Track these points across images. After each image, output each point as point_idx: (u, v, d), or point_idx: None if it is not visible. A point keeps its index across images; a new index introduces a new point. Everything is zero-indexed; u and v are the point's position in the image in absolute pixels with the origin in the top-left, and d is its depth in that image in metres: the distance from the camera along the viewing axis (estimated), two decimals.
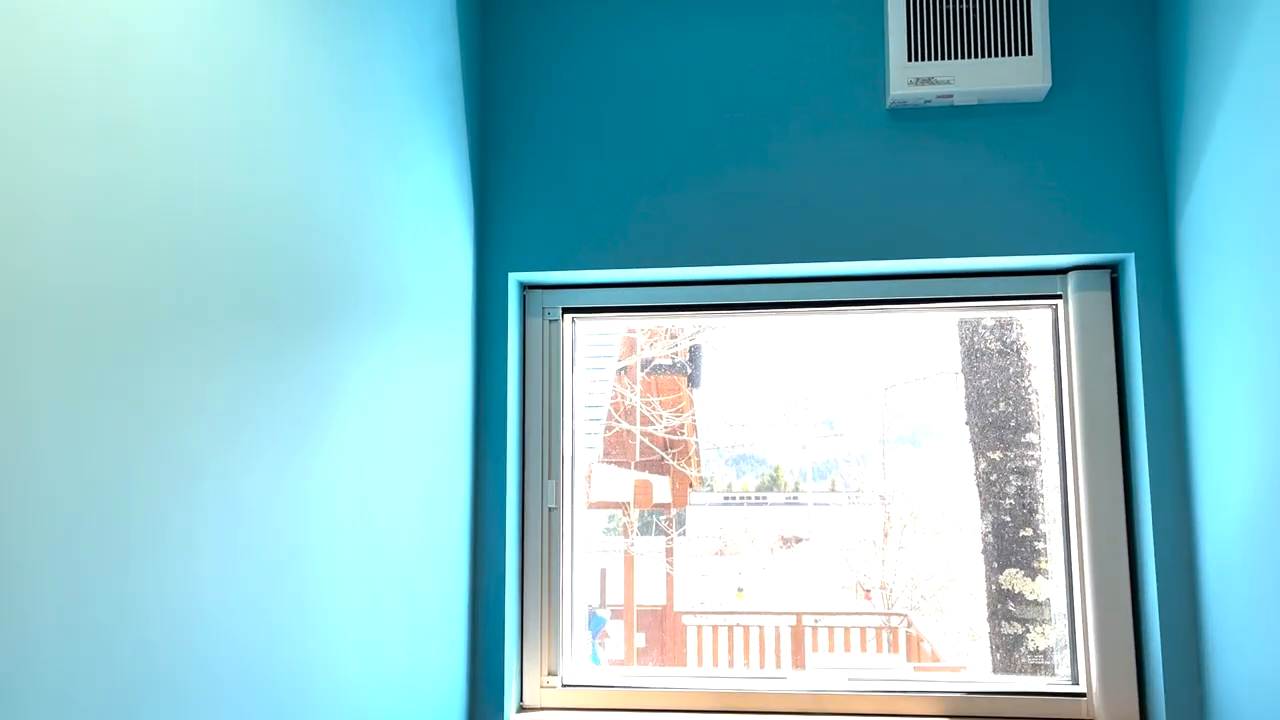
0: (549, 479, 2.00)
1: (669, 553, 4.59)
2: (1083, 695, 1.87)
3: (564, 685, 1.97)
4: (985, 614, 2.83)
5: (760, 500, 5.43)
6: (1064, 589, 1.93)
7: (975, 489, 3.04)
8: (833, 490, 5.20)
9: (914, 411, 4.09)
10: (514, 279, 1.98)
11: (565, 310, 2.05)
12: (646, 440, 4.18)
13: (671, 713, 1.91)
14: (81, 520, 0.88)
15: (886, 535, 4.95)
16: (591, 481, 3.92)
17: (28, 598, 0.82)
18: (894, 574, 4.85)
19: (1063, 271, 1.94)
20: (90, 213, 0.90)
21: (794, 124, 1.93)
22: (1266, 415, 1.49)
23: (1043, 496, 2.16)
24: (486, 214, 1.98)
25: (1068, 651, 1.93)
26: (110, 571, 0.91)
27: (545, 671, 1.97)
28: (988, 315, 2.47)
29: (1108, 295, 1.91)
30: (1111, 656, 1.84)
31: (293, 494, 1.24)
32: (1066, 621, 1.93)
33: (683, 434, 4.30)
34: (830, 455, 5.56)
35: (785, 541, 5.48)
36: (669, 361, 4.78)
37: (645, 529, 4.79)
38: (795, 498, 5.36)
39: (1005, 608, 2.90)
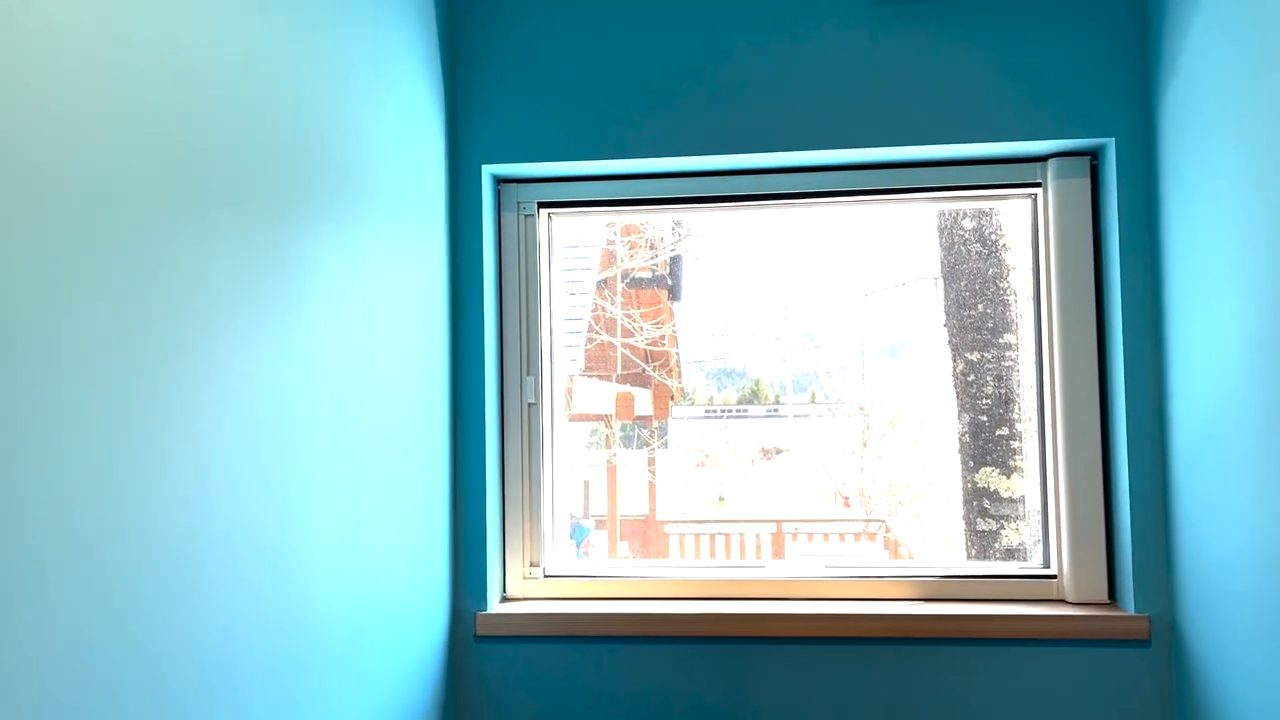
0: (528, 375, 2.00)
1: (651, 463, 4.62)
2: (1054, 577, 1.91)
3: (546, 576, 2.00)
4: (961, 512, 2.87)
5: (741, 413, 5.45)
6: (1037, 476, 1.97)
7: (953, 390, 3.06)
8: (813, 402, 5.24)
9: (893, 322, 4.08)
10: (488, 172, 1.95)
11: (541, 205, 2.01)
12: (628, 352, 4.17)
13: (652, 600, 1.95)
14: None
15: (865, 444, 5.00)
16: (573, 394, 3.92)
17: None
18: (872, 482, 4.93)
19: (1042, 159, 1.92)
20: (85, 111, 0.86)
21: (773, 10, 1.88)
22: (1241, 302, 1.49)
23: (1020, 397, 2.18)
24: (458, 103, 1.93)
25: (1040, 543, 1.98)
26: (94, 437, 0.90)
27: (528, 563, 2.00)
28: (967, 205, 2.45)
29: (1087, 183, 1.89)
30: (1082, 540, 1.88)
31: (271, 380, 1.22)
32: (1039, 511, 1.97)
33: (663, 345, 4.29)
34: (810, 368, 5.55)
35: (766, 453, 5.52)
36: (649, 274, 4.75)
37: (627, 441, 4.82)
38: (776, 410, 5.39)
39: (980, 505, 2.96)
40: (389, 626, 1.60)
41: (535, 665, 1.89)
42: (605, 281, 4.44)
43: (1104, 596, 1.87)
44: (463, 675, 1.89)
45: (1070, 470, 1.88)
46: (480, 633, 1.88)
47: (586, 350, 4.33)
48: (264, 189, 1.23)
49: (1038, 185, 1.93)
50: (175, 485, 1.04)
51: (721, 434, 5.75)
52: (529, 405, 2.00)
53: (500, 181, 2.01)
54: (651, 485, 4.77)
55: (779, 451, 5.87)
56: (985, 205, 2.35)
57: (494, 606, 1.92)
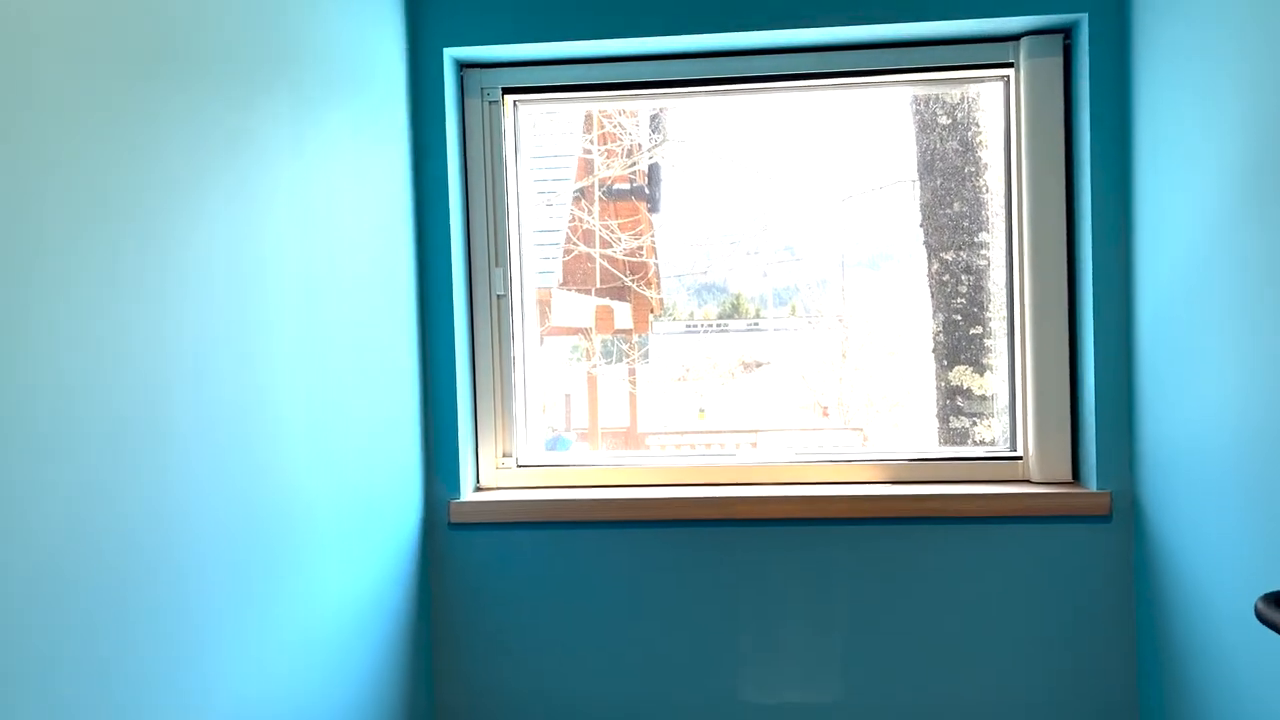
0: (496, 267, 1.98)
1: (632, 375, 4.62)
2: (1019, 459, 1.94)
3: (519, 466, 2.01)
4: (934, 410, 2.90)
5: (722, 327, 5.45)
6: (1005, 362, 1.98)
7: (928, 291, 3.06)
8: (793, 315, 5.23)
9: (872, 229, 4.06)
10: (449, 55, 1.90)
11: (506, 91, 1.97)
12: (606, 264, 4.13)
13: (625, 488, 1.97)
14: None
15: (845, 356, 5.02)
16: (551, 307, 3.90)
17: None
18: (851, 391, 4.96)
19: (1015, 38, 1.89)
20: None
21: None
22: (1209, 181, 1.48)
23: (993, 296, 2.18)
24: None
25: (1007, 427, 2.00)
26: (44, 311, 0.89)
27: (500, 453, 2.01)
28: (940, 89, 2.42)
29: (1059, 62, 1.86)
30: (1047, 422, 1.90)
31: (230, 259, 1.20)
32: (1006, 388, 1.98)
33: (642, 257, 4.26)
34: (791, 281, 5.53)
35: (746, 366, 5.54)
36: (627, 186, 4.69)
37: (607, 355, 4.82)
38: (756, 324, 5.38)
39: (954, 403, 2.99)
40: (362, 512, 1.61)
41: (508, 551, 1.91)
42: (582, 192, 4.39)
43: (1068, 476, 1.90)
44: (437, 562, 1.92)
45: (1037, 352, 1.90)
46: (454, 520, 1.90)
47: (564, 263, 4.30)
48: (215, 62, 1.19)
49: (1010, 65, 1.90)
50: (132, 363, 1.03)
51: (702, 349, 5.76)
52: (498, 297, 1.99)
53: (463, 66, 1.96)
54: (632, 397, 4.79)
55: (759, 365, 5.89)
56: (959, 91, 2.32)
57: (467, 495, 1.94)
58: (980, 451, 2.00)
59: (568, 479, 2.00)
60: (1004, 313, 1.97)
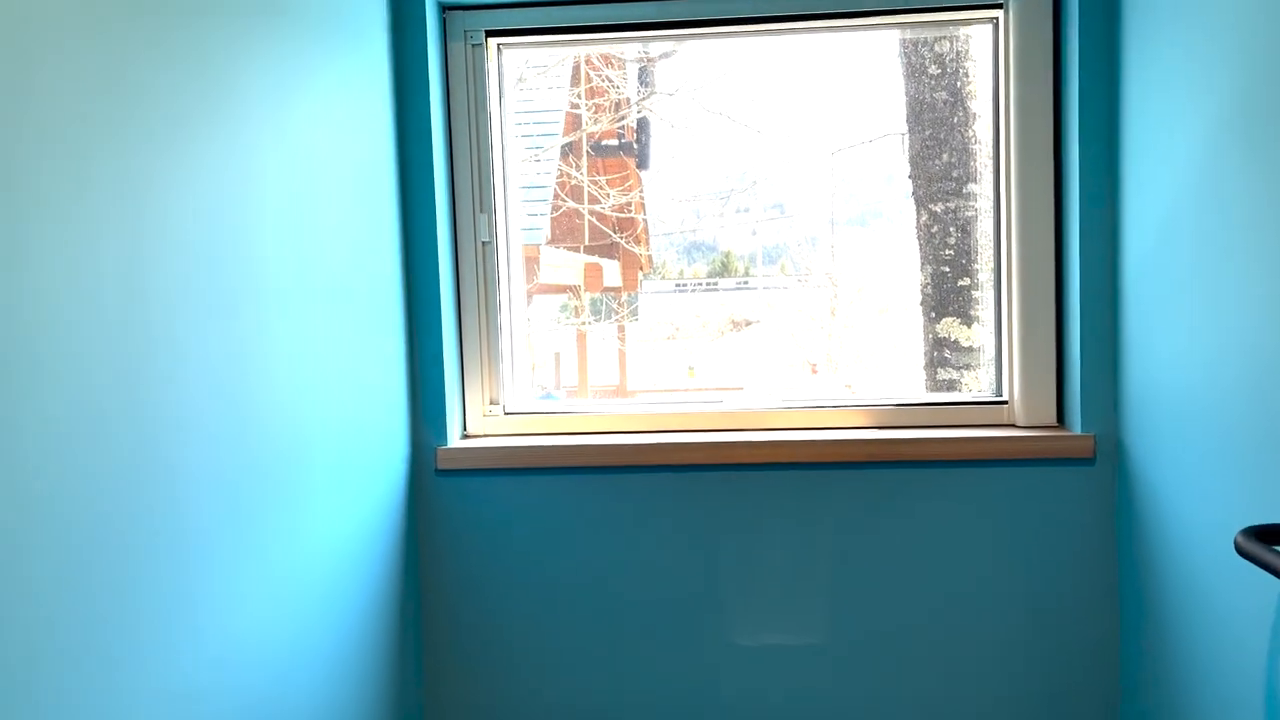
0: (481, 213, 1.97)
1: (621, 333, 4.61)
2: (1005, 403, 1.95)
3: (506, 413, 2.01)
4: (922, 363, 2.90)
5: (712, 286, 5.42)
6: (992, 310, 1.98)
7: (916, 243, 3.06)
8: (783, 273, 5.21)
9: (861, 189, 4.04)
10: None
11: (489, 34, 1.94)
12: (595, 220, 4.11)
13: (612, 434, 1.97)
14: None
15: (834, 313, 5.02)
16: (540, 265, 3.87)
17: None
18: (840, 348, 4.97)
19: None
20: None
21: None
22: (1196, 123, 1.47)
23: (982, 247, 2.18)
24: None
25: (994, 373, 2.00)
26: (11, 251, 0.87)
27: (488, 401, 2.01)
28: (929, 33, 2.39)
29: (1049, 2, 1.84)
30: (1033, 366, 1.91)
31: (211, 201, 1.19)
32: (993, 335, 1.99)
33: (630, 212, 4.23)
34: (780, 240, 5.51)
35: (735, 325, 5.53)
36: (615, 142, 4.65)
37: (596, 312, 4.80)
38: (745, 282, 5.36)
39: (941, 355, 2.99)
40: (351, 455, 1.61)
41: (496, 497, 1.92)
42: (570, 147, 4.35)
43: (1052, 420, 1.91)
44: (425, 507, 1.92)
45: (1024, 297, 1.90)
46: (441, 467, 1.90)
47: (553, 219, 4.28)
48: (197, 8, 1.17)
49: (999, 6, 1.88)
50: (105, 309, 1.01)
51: (691, 307, 5.76)
52: (483, 244, 1.97)
53: (445, 9, 1.93)
54: (621, 354, 4.78)
55: (748, 324, 5.90)
56: (948, 38, 2.30)
57: (454, 442, 1.94)
58: (966, 396, 2.01)
59: (555, 426, 2.00)
60: (991, 262, 1.97)
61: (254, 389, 1.31)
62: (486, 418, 2.00)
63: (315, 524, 1.49)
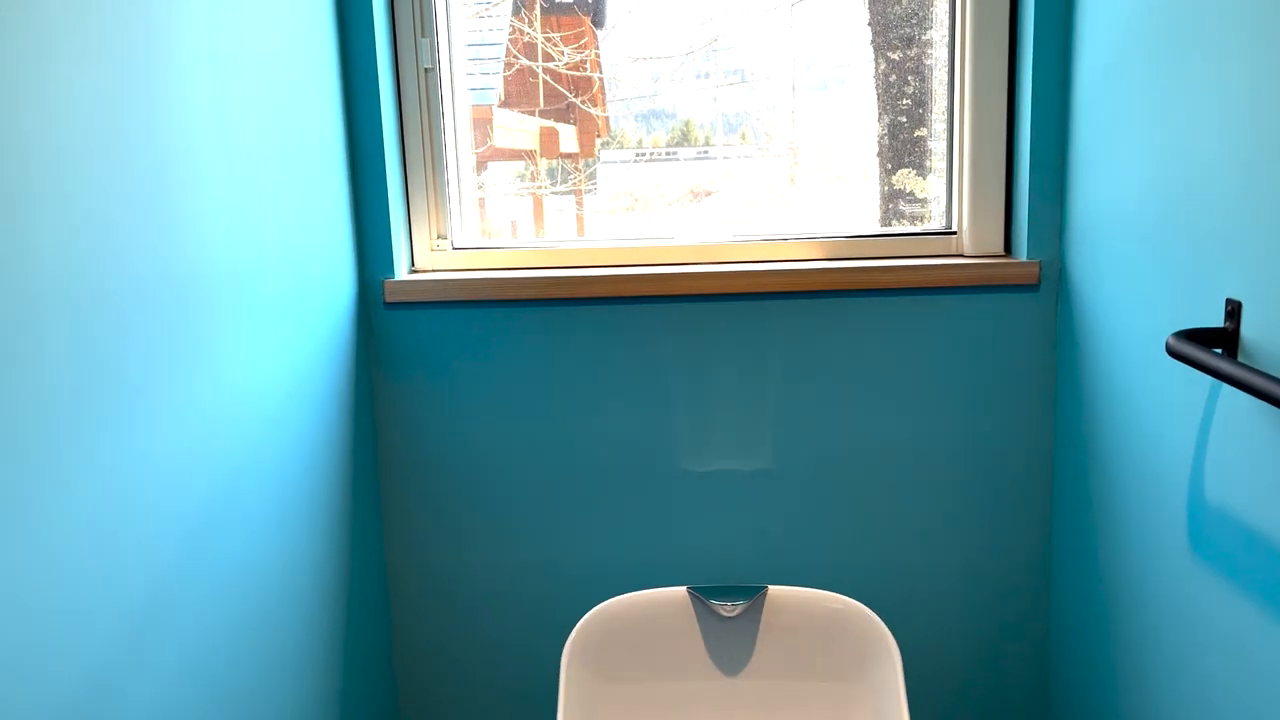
0: (423, 38, 1.89)
1: (579, 196, 4.54)
2: (954, 233, 1.96)
3: (455, 248, 1.99)
4: (877, 215, 2.90)
5: (671, 155, 5.32)
6: (944, 136, 1.97)
7: (874, 92, 3.00)
8: (744, 141, 5.12)
9: (823, 56, 3.94)
10: None
11: None
12: (549, 79, 3.98)
13: (564, 269, 1.96)
14: None
15: (794, 181, 4.97)
16: (494, 127, 3.76)
17: None
18: (798, 214, 4.95)
19: None
20: None
21: None
22: None
23: (939, 98, 2.15)
24: None
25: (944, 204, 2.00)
26: None
27: (435, 235, 1.98)
28: None
29: None
30: (982, 198, 1.91)
31: (128, 26, 1.12)
32: (945, 168, 1.98)
33: (586, 70, 4.11)
34: (741, 108, 5.41)
35: (695, 195, 5.46)
36: None
37: (553, 177, 4.71)
38: (706, 152, 5.26)
39: (896, 207, 2.98)
40: (291, 285, 1.58)
41: (446, 331, 1.91)
42: (523, 2, 4.19)
43: (1000, 249, 1.93)
44: (373, 341, 1.91)
45: (975, 129, 1.89)
46: (390, 300, 1.89)
47: (506, 77, 4.15)
48: None
49: None
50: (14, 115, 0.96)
51: (650, 177, 5.70)
52: (425, 70, 1.90)
53: None
54: (579, 218, 4.75)
55: (708, 194, 5.88)
56: None
57: (402, 275, 1.92)
58: (916, 229, 2.02)
59: (505, 262, 1.98)
60: (946, 103, 1.94)
61: (178, 209, 1.27)
62: (435, 253, 1.97)
63: (264, 344, 1.47)
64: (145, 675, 1.16)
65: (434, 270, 1.97)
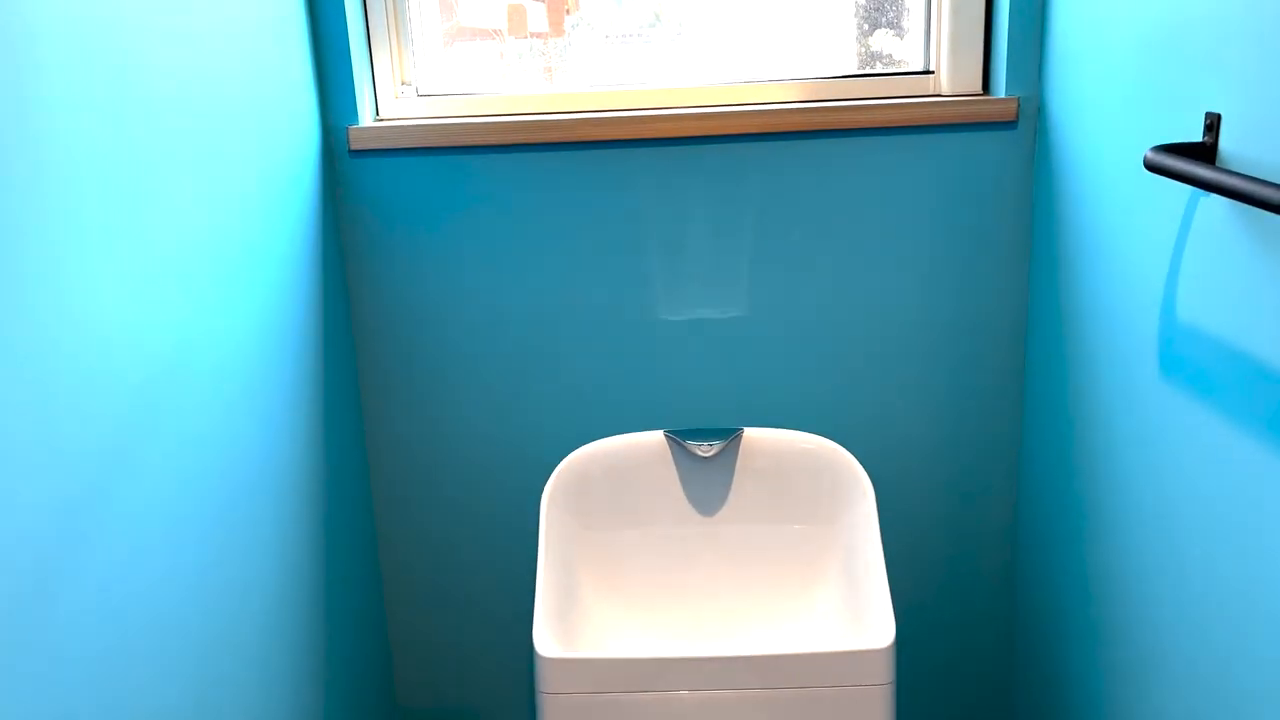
0: None
1: (548, 74, 4.41)
2: (931, 73, 1.92)
3: (420, 95, 1.93)
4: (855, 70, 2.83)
5: (644, 38, 5.16)
6: None
7: None
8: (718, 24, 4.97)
9: None
10: None
11: None
12: None
13: (534, 114, 1.91)
14: None
15: (769, 43, 4.86)
16: (458, 3, 3.61)
17: None
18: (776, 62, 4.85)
19: None
20: None
21: None
22: None
23: None
24: None
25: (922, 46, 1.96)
26: None
27: (399, 82, 1.91)
28: None
29: None
30: (961, 37, 1.87)
31: None
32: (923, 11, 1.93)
33: None
34: None
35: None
36: None
37: (522, 57, 4.56)
38: (680, 33, 5.11)
39: (874, 70, 2.92)
40: (254, 124, 1.53)
41: (415, 179, 1.86)
42: None
43: (978, 89, 1.89)
44: (339, 189, 1.87)
45: None
46: (355, 147, 1.83)
47: None
48: None
49: None
50: None
51: (623, 59, 5.55)
52: None
53: None
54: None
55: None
56: None
57: (366, 122, 1.86)
58: (893, 69, 1.98)
59: (472, 108, 1.93)
60: None
61: (122, 53, 1.20)
62: (400, 100, 1.91)
63: (228, 186, 1.43)
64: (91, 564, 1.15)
65: (400, 119, 1.91)
